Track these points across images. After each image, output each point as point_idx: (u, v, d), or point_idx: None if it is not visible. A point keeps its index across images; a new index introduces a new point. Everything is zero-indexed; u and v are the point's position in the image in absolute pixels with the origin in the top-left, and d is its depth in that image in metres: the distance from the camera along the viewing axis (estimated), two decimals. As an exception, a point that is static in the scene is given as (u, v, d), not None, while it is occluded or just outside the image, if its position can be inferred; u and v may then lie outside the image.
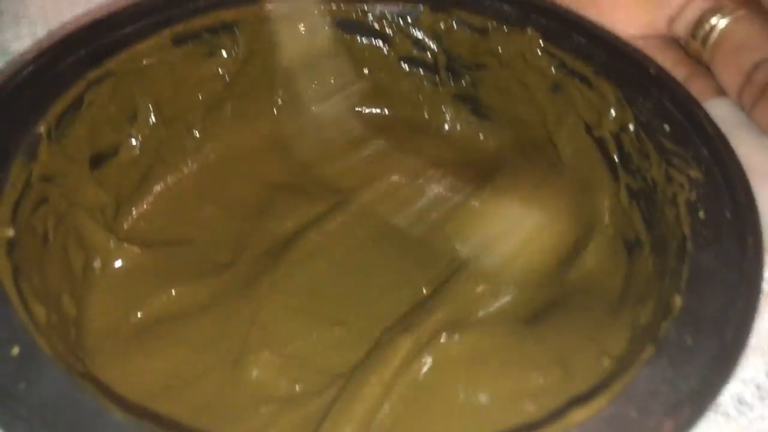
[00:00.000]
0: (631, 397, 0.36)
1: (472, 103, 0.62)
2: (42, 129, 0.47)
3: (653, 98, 0.50)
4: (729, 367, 0.37)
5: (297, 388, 0.45)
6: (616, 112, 0.51)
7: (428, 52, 0.60)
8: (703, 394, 0.36)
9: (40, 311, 0.40)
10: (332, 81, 0.62)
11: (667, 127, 0.48)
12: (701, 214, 0.43)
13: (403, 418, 0.43)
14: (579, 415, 0.35)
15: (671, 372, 0.36)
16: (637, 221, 0.49)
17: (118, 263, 0.52)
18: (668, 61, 0.56)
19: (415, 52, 0.61)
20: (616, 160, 0.51)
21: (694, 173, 0.45)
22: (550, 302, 0.49)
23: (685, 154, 0.46)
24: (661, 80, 0.51)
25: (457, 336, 0.45)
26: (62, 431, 0.34)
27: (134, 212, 0.56)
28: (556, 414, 0.36)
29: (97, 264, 0.52)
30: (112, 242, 0.52)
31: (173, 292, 0.51)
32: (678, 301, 0.39)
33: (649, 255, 0.47)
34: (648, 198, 0.48)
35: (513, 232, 0.52)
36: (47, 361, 0.37)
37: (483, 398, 0.43)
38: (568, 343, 0.45)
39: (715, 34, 0.56)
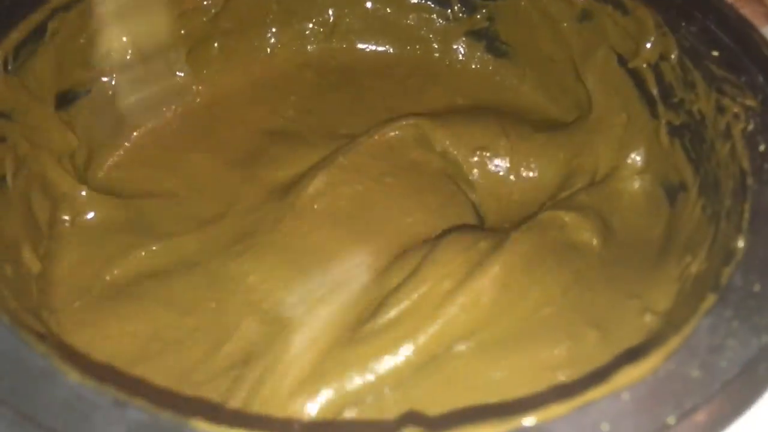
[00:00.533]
0: (691, 353, 0.30)
1: (487, 39, 0.56)
2: (-3, 58, 0.41)
3: (698, 22, 0.43)
4: (808, 318, 0.31)
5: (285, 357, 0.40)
6: (655, 40, 0.44)
7: (439, -19, 0.55)
8: (779, 349, 0.30)
9: (-14, 260, 0.35)
10: (331, 17, 0.56)
11: (715, 53, 0.42)
12: (762, 146, 0.37)
13: (416, 388, 0.37)
14: (628, 375, 0.29)
15: (738, 324, 0.30)
16: (681, 162, 0.43)
17: (90, 215, 0.47)
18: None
19: (424, -19, 0.55)
20: (655, 94, 0.45)
21: (750, 101, 0.39)
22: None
23: (738, 81, 0.40)
24: (706, 1, 0.44)
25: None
26: (5, 394, 0.28)
27: (110, 160, 0.51)
28: (597, 375, 0.30)
29: (66, 216, 0.46)
30: (83, 192, 0.46)
31: (153, 248, 0.45)
32: (741, 242, 0.33)
33: (698, 198, 0.41)
34: (694, 134, 0.42)
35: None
36: (-10, 315, 0.31)
37: (498, 375, 0.37)
38: (605, 301, 0.40)
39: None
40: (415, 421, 0.31)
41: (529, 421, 0.28)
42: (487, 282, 0.38)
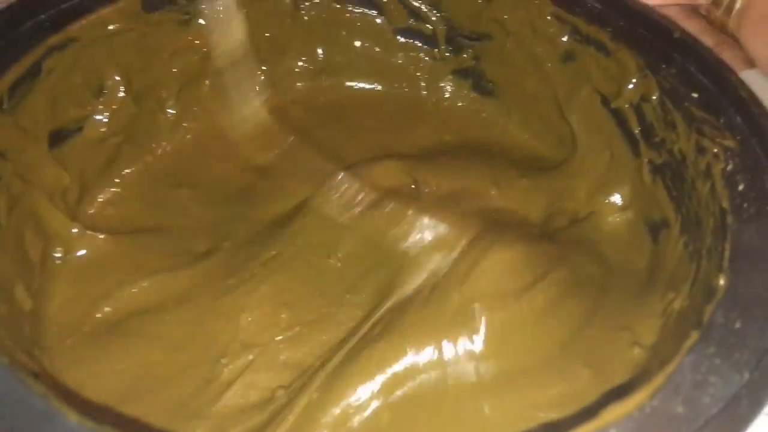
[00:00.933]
0: (675, 389, 0.30)
1: (474, 78, 0.57)
2: (-8, 97, 0.42)
3: (677, 64, 0.45)
4: (788, 355, 0.31)
5: (278, 393, 0.40)
6: (637, 81, 0.46)
7: (426, 22, 0.56)
8: (760, 385, 0.30)
9: (-18, 299, 0.35)
10: (321, 55, 0.57)
11: (695, 95, 0.43)
12: (741, 186, 0.38)
13: (407, 420, 0.38)
14: (614, 412, 0.30)
15: (720, 361, 0.31)
16: (663, 200, 0.44)
17: (81, 252, 0.47)
18: (690, 32, 0.51)
19: (411, 21, 0.56)
20: (637, 133, 0.46)
21: (729, 141, 0.40)
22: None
23: (717, 122, 0.41)
24: (686, 44, 0.45)
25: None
26: (3, 437, 0.28)
27: (101, 196, 0.51)
28: (586, 412, 0.31)
29: (57, 253, 0.46)
30: (75, 229, 0.47)
31: (144, 284, 0.46)
32: (722, 281, 0.34)
33: (680, 236, 0.42)
34: (675, 173, 0.43)
35: None
36: (-13, 356, 0.31)
37: (488, 413, 0.38)
38: (599, 335, 0.40)
39: (738, 2, 0.52)
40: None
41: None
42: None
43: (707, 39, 0.53)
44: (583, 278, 0.43)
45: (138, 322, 0.44)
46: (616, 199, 0.48)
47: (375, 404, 0.38)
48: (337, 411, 0.37)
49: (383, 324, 0.42)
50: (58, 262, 0.46)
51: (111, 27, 0.48)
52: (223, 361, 0.42)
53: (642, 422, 0.29)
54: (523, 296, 0.41)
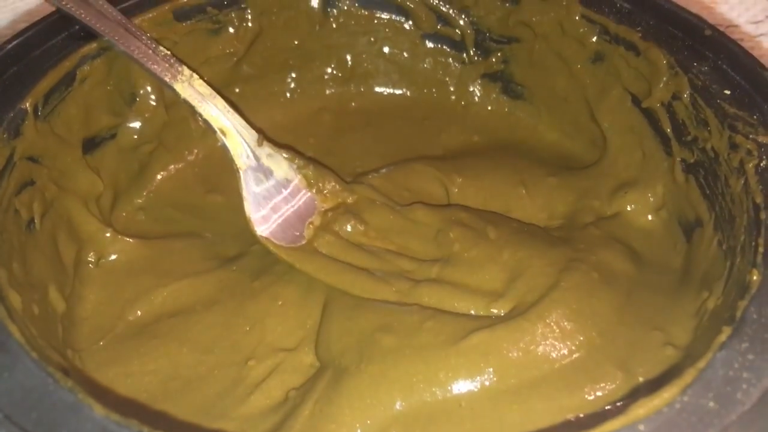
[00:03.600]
0: (706, 385, 0.30)
1: (503, 81, 0.57)
2: (28, 104, 0.42)
3: (709, 61, 0.44)
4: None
5: (290, 394, 0.40)
6: (668, 80, 0.45)
7: (454, 27, 0.56)
8: (795, 382, 0.30)
9: (15, 299, 0.35)
10: (349, 62, 0.58)
11: (727, 91, 0.42)
12: (775, 181, 0.38)
13: (432, 426, 0.37)
14: (644, 407, 0.29)
15: (753, 356, 0.30)
16: (696, 199, 0.44)
17: (113, 256, 0.47)
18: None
19: (439, 27, 0.56)
20: (669, 132, 0.46)
21: (763, 138, 0.39)
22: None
23: (750, 119, 0.41)
24: (717, 42, 0.45)
25: None
26: (33, 426, 0.29)
27: (133, 202, 0.52)
28: (616, 408, 0.30)
29: (91, 257, 0.47)
30: (108, 234, 0.47)
31: (174, 288, 0.46)
32: (755, 276, 0.33)
33: (714, 234, 0.41)
34: (708, 171, 0.43)
35: None
36: (20, 351, 0.32)
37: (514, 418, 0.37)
38: (631, 335, 0.39)
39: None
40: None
41: (545, 453, 0.28)
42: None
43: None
44: (612, 275, 0.42)
45: (168, 325, 0.44)
46: (649, 198, 0.47)
47: (386, 410, 0.37)
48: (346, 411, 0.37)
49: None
50: (90, 266, 0.47)
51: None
52: (251, 363, 0.42)
53: (672, 418, 0.29)
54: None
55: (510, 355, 0.37)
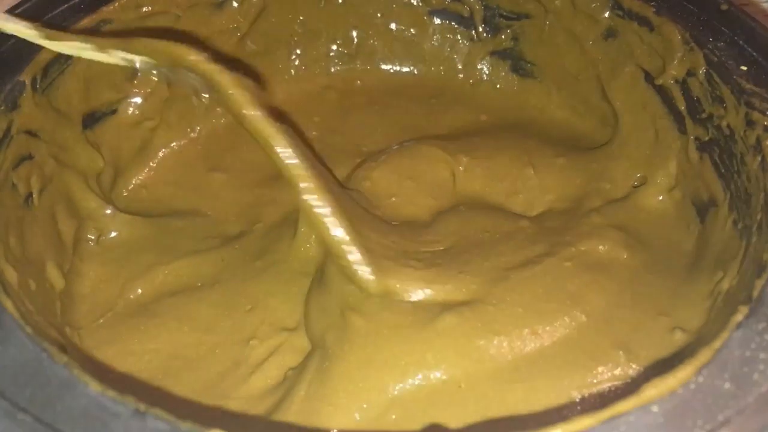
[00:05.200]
0: (722, 366, 0.29)
1: (512, 59, 0.56)
2: (26, 77, 0.42)
3: (725, 37, 0.43)
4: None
5: (288, 374, 0.40)
6: (683, 56, 0.44)
7: (463, 2, 0.54)
8: (814, 362, 0.29)
9: (11, 274, 0.35)
10: (355, 39, 0.57)
11: (744, 67, 0.41)
12: (793, 158, 0.36)
13: (433, 407, 0.36)
14: (657, 388, 0.28)
15: (772, 336, 0.30)
16: (710, 178, 0.42)
17: (114, 234, 0.47)
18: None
19: (448, 2, 0.55)
20: (683, 110, 0.45)
21: (781, 114, 0.38)
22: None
23: (767, 95, 0.39)
24: (734, 16, 0.44)
25: None
26: (26, 402, 0.28)
27: (135, 179, 0.51)
28: (627, 388, 0.29)
29: (91, 234, 0.46)
30: (108, 211, 0.46)
31: (176, 266, 0.45)
32: (773, 255, 0.32)
33: (729, 214, 0.40)
34: (723, 149, 0.41)
35: None
36: (14, 326, 0.31)
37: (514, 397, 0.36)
38: (632, 320, 0.39)
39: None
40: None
41: (556, 433, 0.27)
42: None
43: None
44: (599, 264, 0.41)
45: (169, 304, 0.43)
46: (662, 179, 0.46)
47: (381, 393, 0.37)
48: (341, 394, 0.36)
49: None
50: (91, 243, 0.46)
51: (144, 9, 0.48)
52: (252, 343, 0.41)
53: (687, 399, 0.28)
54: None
55: (491, 335, 0.37)
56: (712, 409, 0.27)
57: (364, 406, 0.36)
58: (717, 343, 0.29)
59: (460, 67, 0.57)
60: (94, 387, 0.28)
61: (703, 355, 0.29)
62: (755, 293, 0.31)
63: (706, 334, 0.35)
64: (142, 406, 0.28)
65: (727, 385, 0.28)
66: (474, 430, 0.33)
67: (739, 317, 0.30)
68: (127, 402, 0.28)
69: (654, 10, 0.46)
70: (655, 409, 0.27)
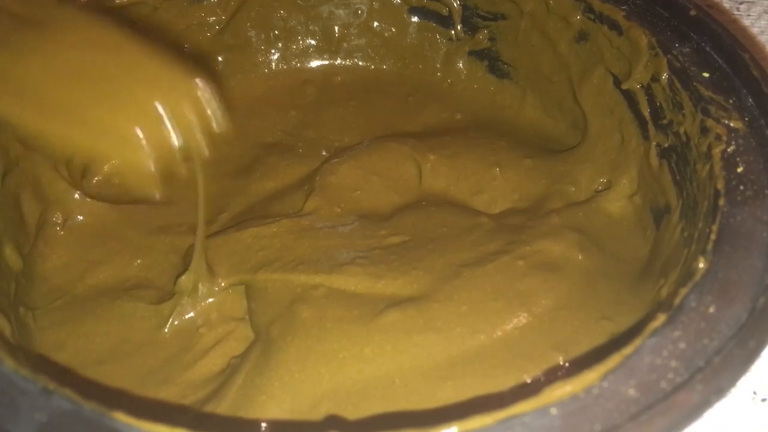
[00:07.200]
0: (630, 372, 0.28)
1: (489, 60, 0.56)
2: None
3: (692, 43, 0.42)
4: (759, 341, 0.29)
5: (232, 362, 0.40)
6: (647, 61, 0.43)
7: (442, 2, 0.54)
8: (722, 372, 0.28)
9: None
10: (335, 34, 0.57)
11: (706, 74, 0.40)
12: (740, 167, 0.36)
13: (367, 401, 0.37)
14: (559, 390, 0.28)
15: (685, 345, 0.29)
16: (667, 184, 0.42)
17: (81, 218, 0.48)
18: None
19: (426, 1, 0.55)
20: (647, 115, 0.44)
21: (735, 123, 0.38)
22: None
23: (725, 103, 0.39)
24: (702, 23, 0.43)
25: None
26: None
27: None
28: (526, 389, 0.29)
29: (57, 218, 0.47)
30: (76, 195, 0.47)
31: (139, 253, 0.46)
32: (701, 264, 0.32)
33: (679, 221, 0.39)
34: (680, 156, 0.41)
35: None
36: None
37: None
38: (575, 322, 0.38)
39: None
40: (336, 425, 0.30)
41: (450, 431, 0.27)
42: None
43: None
44: (552, 265, 0.41)
45: (129, 288, 0.44)
46: (625, 184, 0.45)
47: (316, 385, 0.37)
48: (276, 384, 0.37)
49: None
50: (57, 228, 0.47)
51: (118, 0, 0.49)
52: (201, 330, 0.42)
53: (588, 403, 0.27)
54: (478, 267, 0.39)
55: (430, 332, 0.37)
56: (611, 414, 0.27)
57: (298, 396, 0.36)
58: (628, 350, 0.29)
59: (438, 65, 0.57)
60: (8, 363, 0.29)
61: (611, 361, 0.29)
62: (677, 301, 0.31)
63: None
64: (51, 385, 0.28)
65: (631, 392, 0.28)
66: (369, 423, 0.33)
67: (655, 324, 0.30)
68: (38, 380, 0.29)
69: (624, 14, 0.45)
70: (553, 411, 0.27)
